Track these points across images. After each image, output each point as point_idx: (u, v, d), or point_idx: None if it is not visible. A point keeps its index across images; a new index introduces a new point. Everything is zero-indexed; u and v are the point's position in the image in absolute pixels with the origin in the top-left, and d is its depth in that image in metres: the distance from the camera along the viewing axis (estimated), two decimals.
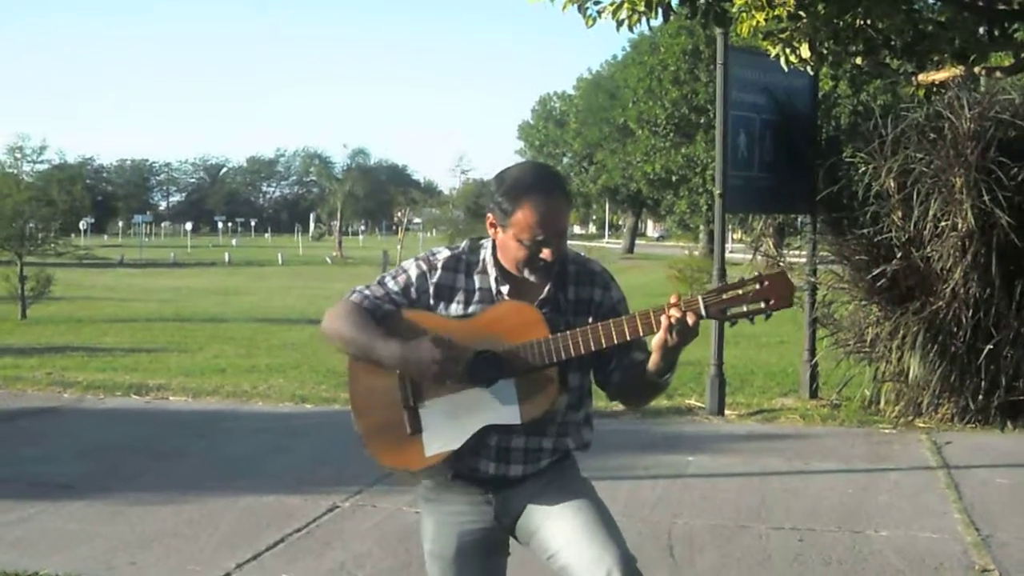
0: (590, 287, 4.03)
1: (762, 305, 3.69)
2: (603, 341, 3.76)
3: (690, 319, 3.68)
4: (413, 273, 4.03)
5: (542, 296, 3.93)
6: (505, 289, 3.95)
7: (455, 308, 3.98)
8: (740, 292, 3.70)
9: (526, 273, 3.91)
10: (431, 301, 3.99)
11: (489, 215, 3.98)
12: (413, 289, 4.00)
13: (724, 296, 3.71)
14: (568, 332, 3.79)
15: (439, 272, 4.01)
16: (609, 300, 4.02)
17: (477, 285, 3.99)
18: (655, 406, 12.00)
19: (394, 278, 4.04)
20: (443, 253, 4.08)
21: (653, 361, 3.79)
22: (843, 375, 12.17)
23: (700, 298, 3.71)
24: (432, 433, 3.87)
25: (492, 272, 3.98)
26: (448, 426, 3.85)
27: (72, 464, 9.39)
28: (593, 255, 4.30)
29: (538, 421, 3.85)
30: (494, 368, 3.82)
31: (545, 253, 3.85)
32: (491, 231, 3.98)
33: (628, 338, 3.76)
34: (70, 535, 7.34)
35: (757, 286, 3.69)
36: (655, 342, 3.74)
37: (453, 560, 4.09)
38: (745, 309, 3.70)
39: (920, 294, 11.12)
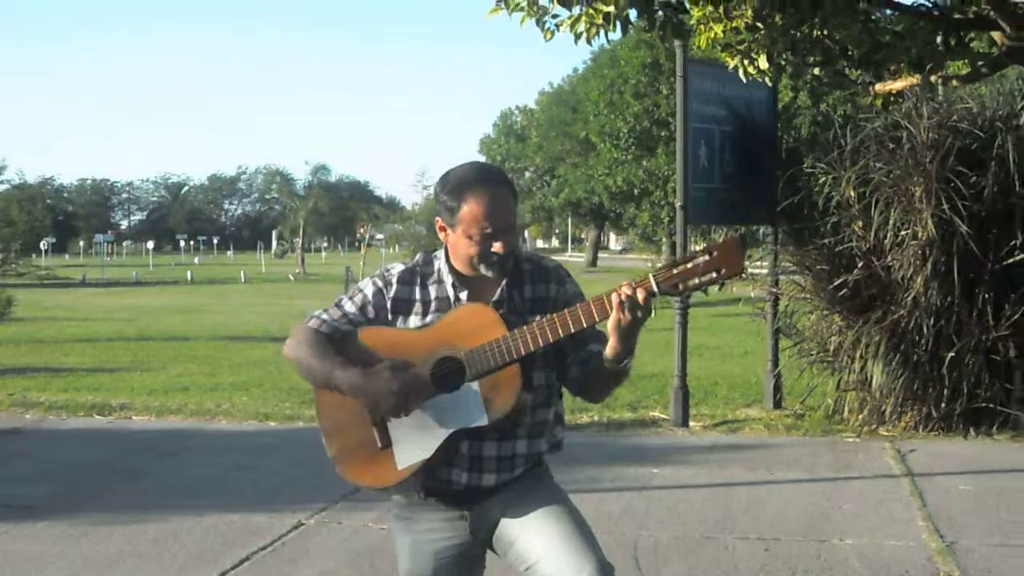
0: (545, 284, 4.04)
1: (713, 275, 3.68)
2: (560, 331, 3.76)
3: (640, 295, 3.67)
4: (369, 291, 4.04)
5: (495, 298, 3.94)
6: (464, 295, 3.97)
7: (414, 320, 4.00)
8: (690, 265, 3.69)
9: (482, 269, 3.92)
10: (389, 316, 4.01)
11: (438, 219, 4.00)
12: (371, 307, 4.02)
13: (675, 271, 3.70)
14: (525, 327, 3.79)
15: (395, 287, 4.03)
16: (564, 294, 4.02)
17: (433, 295, 4.01)
18: (619, 418, 12.05)
19: (351, 298, 4.07)
20: (397, 268, 4.10)
21: (610, 346, 3.78)
22: (806, 385, 12.22)
23: (651, 276, 3.72)
24: (403, 445, 3.87)
25: (448, 279, 3.99)
26: (418, 436, 3.85)
27: (34, 485, 9.32)
28: None
29: (507, 422, 3.85)
30: (456, 373, 3.82)
31: (496, 247, 3.87)
32: (442, 235, 4.01)
33: (584, 324, 3.75)
34: (33, 557, 7.29)
35: (706, 256, 3.68)
36: (610, 324, 3.73)
37: None
38: (697, 281, 3.69)
39: (882, 303, 11.17)
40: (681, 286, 3.71)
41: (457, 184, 3.92)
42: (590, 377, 3.96)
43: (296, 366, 4.04)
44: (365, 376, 3.83)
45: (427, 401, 3.85)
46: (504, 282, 3.97)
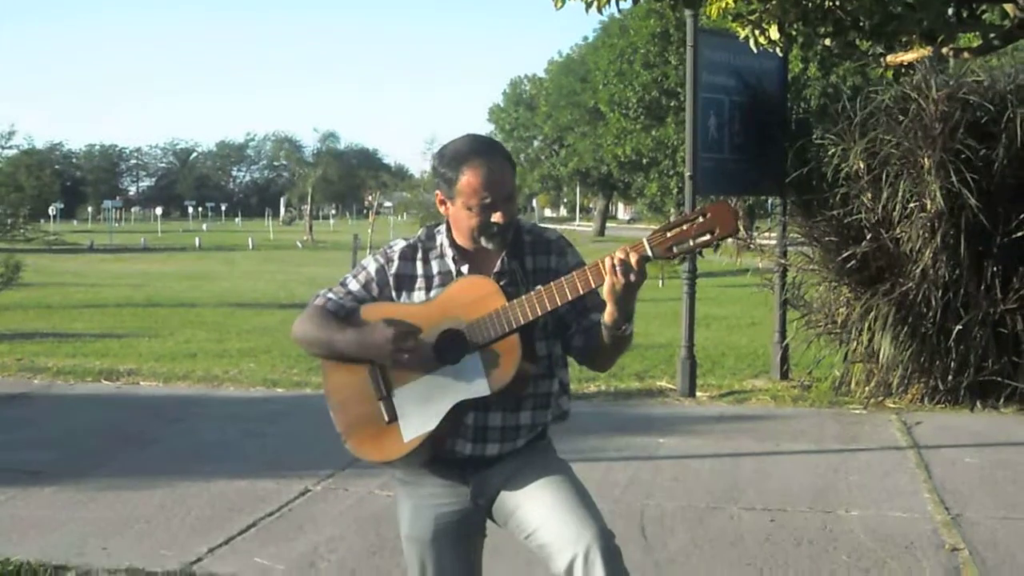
0: (546, 255, 4.06)
1: (707, 236, 3.68)
2: (558, 299, 3.77)
3: (633, 258, 3.68)
4: (372, 268, 4.09)
5: (496, 270, 3.96)
6: (465, 268, 3.99)
7: (417, 295, 4.03)
8: (684, 228, 3.69)
9: (483, 241, 3.94)
10: (392, 293, 4.05)
11: (437, 192, 4.04)
12: (374, 284, 4.06)
13: (669, 234, 3.70)
14: (524, 296, 3.81)
15: (396, 263, 4.06)
16: (565, 265, 4.03)
17: (436, 270, 4.04)
18: (626, 388, 12.06)
19: (355, 277, 4.12)
20: (399, 244, 4.14)
21: (608, 312, 3.79)
22: (814, 356, 12.21)
23: (645, 240, 3.72)
24: (408, 419, 3.89)
25: (450, 252, 4.02)
26: (422, 409, 3.88)
27: (43, 450, 9.34)
28: None
29: (510, 392, 3.86)
30: (459, 345, 3.84)
31: (496, 217, 3.90)
32: (441, 208, 4.04)
33: (581, 291, 3.76)
34: (41, 521, 7.32)
35: (700, 219, 3.68)
36: (605, 289, 3.74)
37: (431, 543, 4.11)
38: (691, 243, 3.69)
39: (890, 275, 11.15)
40: (675, 249, 3.71)
41: (454, 156, 3.94)
42: (594, 346, 3.96)
43: (302, 343, 4.11)
44: (361, 332, 3.91)
45: (430, 373, 3.88)
46: (505, 253, 3.99)
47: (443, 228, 4.08)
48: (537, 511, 3.90)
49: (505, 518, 4.03)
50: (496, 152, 3.98)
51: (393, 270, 4.05)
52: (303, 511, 7.59)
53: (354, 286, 4.08)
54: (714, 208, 3.71)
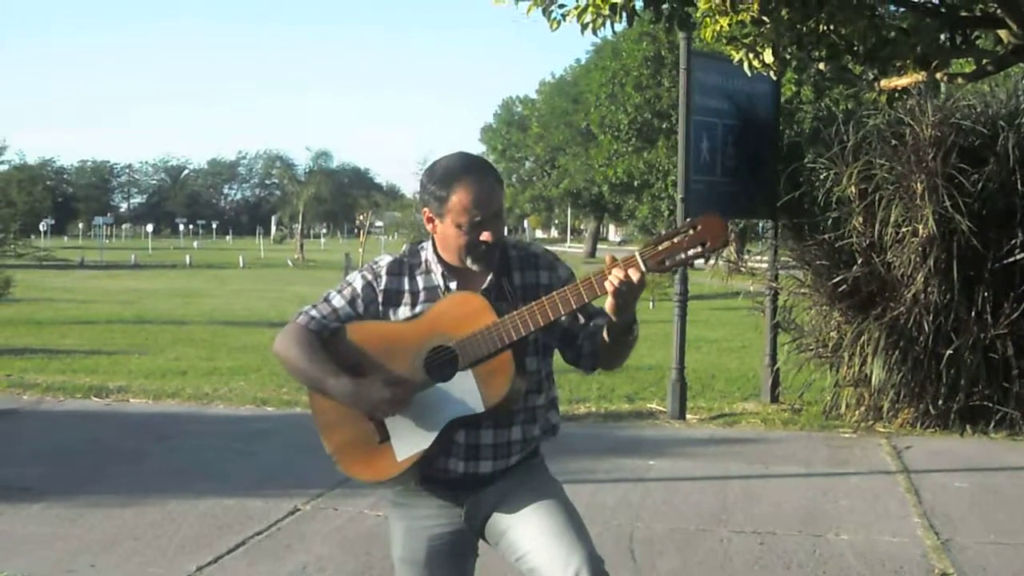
0: (535, 270, 4.06)
1: (699, 249, 3.69)
2: (550, 314, 3.77)
3: (634, 276, 3.69)
4: (358, 284, 4.05)
5: (484, 286, 3.95)
6: (453, 285, 3.97)
7: (403, 311, 4.00)
8: (675, 240, 3.70)
9: (469, 262, 3.93)
10: (380, 309, 4.01)
11: (425, 210, 4.01)
12: (360, 301, 4.02)
13: (660, 247, 3.71)
14: (515, 312, 3.79)
15: (384, 278, 4.04)
16: (558, 280, 4.02)
17: (422, 285, 4.02)
18: (616, 410, 12.05)
19: (339, 292, 4.07)
20: (385, 259, 4.11)
21: (611, 325, 3.81)
22: (804, 380, 12.20)
23: (638, 254, 3.72)
24: (401, 438, 3.86)
25: (438, 269, 4.00)
26: (415, 428, 3.85)
27: (31, 467, 9.32)
28: None
29: (502, 408, 3.84)
30: (450, 363, 3.82)
31: (485, 235, 3.88)
32: (429, 226, 4.01)
33: (573, 306, 3.77)
34: (30, 538, 7.30)
35: (691, 231, 3.70)
36: (607, 307, 3.76)
37: (424, 565, 4.09)
38: (683, 256, 3.70)
39: (881, 300, 11.15)
40: (668, 262, 3.72)
41: (445, 174, 3.93)
42: (603, 348, 3.95)
43: (286, 366, 4.05)
44: (357, 386, 3.85)
45: (422, 392, 3.84)
46: (492, 271, 3.98)
47: (427, 245, 4.07)
48: (528, 534, 3.89)
49: (496, 538, 4.01)
50: (486, 171, 3.98)
51: (382, 285, 4.02)
52: (292, 530, 7.57)
53: (339, 302, 4.03)
54: (704, 220, 3.72)
